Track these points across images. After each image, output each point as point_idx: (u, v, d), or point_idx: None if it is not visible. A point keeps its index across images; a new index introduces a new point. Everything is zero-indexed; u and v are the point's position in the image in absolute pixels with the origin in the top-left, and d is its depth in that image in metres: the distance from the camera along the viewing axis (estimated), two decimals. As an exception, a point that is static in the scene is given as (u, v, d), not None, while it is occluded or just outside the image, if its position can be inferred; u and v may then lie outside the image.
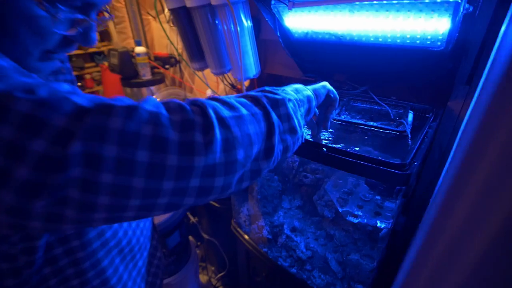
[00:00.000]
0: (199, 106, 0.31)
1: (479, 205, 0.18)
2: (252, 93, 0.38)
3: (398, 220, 0.57)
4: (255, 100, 0.36)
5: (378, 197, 0.66)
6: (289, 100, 0.39)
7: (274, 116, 0.35)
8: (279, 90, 0.40)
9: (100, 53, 2.93)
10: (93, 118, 0.24)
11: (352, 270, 0.68)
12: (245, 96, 0.37)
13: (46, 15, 0.30)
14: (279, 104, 0.37)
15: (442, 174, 0.50)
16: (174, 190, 0.28)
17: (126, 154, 0.25)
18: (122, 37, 1.69)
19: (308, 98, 0.44)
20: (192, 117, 0.29)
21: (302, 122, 0.41)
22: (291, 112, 0.38)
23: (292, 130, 0.38)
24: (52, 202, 0.24)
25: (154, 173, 0.26)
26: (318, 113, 0.55)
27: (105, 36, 2.72)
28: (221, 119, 0.30)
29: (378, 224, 0.61)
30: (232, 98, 0.35)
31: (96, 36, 0.38)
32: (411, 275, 0.37)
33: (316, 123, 0.57)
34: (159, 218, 1.07)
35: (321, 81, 0.52)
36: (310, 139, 0.58)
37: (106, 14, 0.39)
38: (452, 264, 0.21)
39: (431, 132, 0.61)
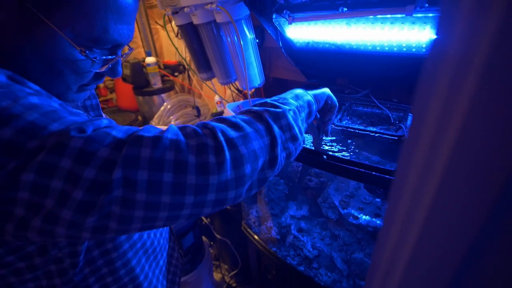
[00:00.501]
0: (209, 130, 0.36)
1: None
2: (255, 108, 0.42)
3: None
4: (258, 116, 0.40)
5: (378, 200, 0.69)
6: (289, 110, 0.42)
7: (276, 129, 0.39)
8: (280, 100, 0.44)
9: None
10: (129, 149, 0.30)
11: (357, 268, 0.72)
12: (247, 113, 0.41)
13: (85, 59, 0.37)
14: (280, 116, 0.41)
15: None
16: (194, 204, 0.33)
17: (155, 177, 0.31)
18: (132, 46, 1.77)
19: (309, 103, 0.48)
20: (206, 141, 0.34)
21: (303, 128, 0.45)
22: (292, 121, 0.41)
23: (294, 138, 0.42)
24: (100, 217, 0.30)
25: (178, 190, 0.32)
26: (319, 116, 0.57)
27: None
28: (229, 141, 0.35)
29: (379, 225, 0.64)
30: (237, 117, 0.40)
31: (121, 68, 0.44)
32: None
33: (317, 128, 0.60)
34: (174, 220, 1.13)
35: (323, 87, 0.55)
36: (312, 148, 0.61)
37: (127, 49, 0.45)
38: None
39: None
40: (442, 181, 0.19)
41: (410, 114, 0.74)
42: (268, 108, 0.41)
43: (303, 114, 0.46)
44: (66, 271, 0.42)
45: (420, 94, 0.19)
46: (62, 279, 0.42)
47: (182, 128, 0.36)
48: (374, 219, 0.65)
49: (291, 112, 0.42)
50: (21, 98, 0.30)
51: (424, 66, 0.19)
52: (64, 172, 0.28)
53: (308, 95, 0.49)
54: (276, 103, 0.43)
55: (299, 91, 0.49)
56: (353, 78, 0.89)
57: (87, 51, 0.36)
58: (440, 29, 0.17)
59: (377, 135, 0.67)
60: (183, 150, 0.32)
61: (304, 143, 0.46)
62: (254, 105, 0.44)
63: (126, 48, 0.46)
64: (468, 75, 0.16)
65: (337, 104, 0.55)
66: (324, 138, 0.61)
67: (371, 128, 0.70)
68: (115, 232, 0.32)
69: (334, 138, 0.70)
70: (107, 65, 0.41)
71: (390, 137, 0.67)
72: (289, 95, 0.47)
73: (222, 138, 0.35)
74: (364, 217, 0.68)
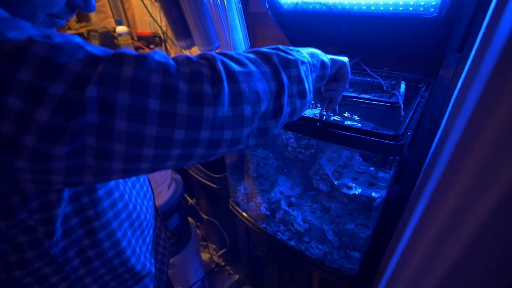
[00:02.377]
0: (207, 60, 0.30)
1: (480, 174, 0.18)
2: (264, 49, 0.37)
3: (391, 190, 0.59)
4: (266, 58, 0.35)
5: (372, 168, 0.67)
6: (302, 62, 0.37)
7: (284, 76, 0.34)
8: (294, 50, 0.39)
9: (79, 35, 2.78)
10: (107, 65, 0.25)
11: (348, 239, 0.71)
12: (256, 53, 0.36)
13: None
14: (290, 65, 0.36)
15: (435, 142, 0.51)
16: (186, 141, 0.28)
17: (138, 102, 0.25)
18: (101, 16, 1.59)
19: (323, 64, 0.43)
20: (200, 69, 0.28)
21: (312, 88, 0.40)
22: (303, 75, 0.37)
23: (302, 94, 0.37)
24: (72, 150, 0.24)
25: (166, 121, 0.26)
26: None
27: (83, 16, 2.55)
28: (230, 73, 0.30)
29: (373, 195, 0.63)
30: (241, 54, 0.34)
31: (95, 3, 0.38)
32: (410, 245, 0.38)
33: (324, 99, 0.53)
34: (158, 201, 1.08)
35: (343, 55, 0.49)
36: (318, 114, 0.55)
37: None
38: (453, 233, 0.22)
39: (423, 101, 0.61)
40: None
41: (402, 82, 0.71)
42: (279, 53, 0.36)
43: (314, 75, 0.41)
44: (40, 242, 0.36)
45: None
46: (35, 252, 0.36)
47: (173, 57, 0.30)
48: (368, 189, 0.64)
49: (304, 66, 0.37)
50: None
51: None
52: (23, 86, 0.22)
53: (325, 56, 0.44)
54: (288, 50, 0.38)
55: (315, 50, 0.44)
56: (344, 47, 0.84)
57: None
58: None
59: (371, 102, 0.64)
60: (172, 75, 0.27)
61: (310, 105, 0.41)
62: (265, 47, 0.38)
63: None
64: None
65: (349, 76, 0.49)
66: (330, 114, 0.55)
67: (365, 96, 0.67)
68: (93, 173, 0.26)
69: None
70: None
71: (384, 104, 0.64)
72: (304, 49, 0.42)
73: (222, 69, 0.29)
74: (358, 190, 0.66)
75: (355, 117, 0.61)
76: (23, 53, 0.23)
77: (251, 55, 0.35)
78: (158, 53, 0.28)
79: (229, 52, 0.34)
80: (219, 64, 0.30)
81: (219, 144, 0.30)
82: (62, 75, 0.23)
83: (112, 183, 0.42)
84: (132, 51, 0.28)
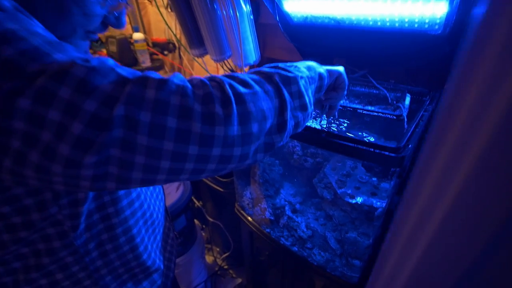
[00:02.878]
0: (217, 82, 0.33)
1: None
2: (266, 69, 0.40)
3: (392, 200, 0.60)
4: (268, 77, 0.38)
5: (374, 179, 0.69)
6: (301, 77, 0.40)
7: (286, 93, 0.37)
8: (292, 67, 0.42)
9: (97, 40, 2.88)
10: (133, 87, 0.28)
11: (350, 247, 0.72)
12: (258, 73, 0.39)
13: (95, 0, 0.36)
14: (291, 82, 0.38)
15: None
16: (198, 156, 0.31)
17: (158, 120, 0.28)
18: (118, 23, 1.66)
19: (320, 76, 0.45)
20: (212, 92, 0.32)
21: (312, 99, 0.43)
22: (303, 89, 0.39)
23: (303, 107, 0.40)
24: (99, 160, 0.27)
25: (181, 137, 0.29)
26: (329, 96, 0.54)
27: (101, 21, 2.66)
28: (237, 95, 0.33)
29: (374, 204, 0.64)
30: (246, 75, 0.37)
31: (125, 20, 0.44)
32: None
33: (324, 107, 0.56)
34: (167, 202, 1.11)
35: (339, 65, 0.52)
36: (313, 125, 0.59)
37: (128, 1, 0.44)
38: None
39: (427, 115, 0.63)
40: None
41: (407, 94, 0.73)
42: (279, 71, 0.39)
43: (313, 87, 0.44)
44: (66, 233, 0.40)
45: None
46: (62, 242, 0.40)
47: (189, 79, 0.33)
48: (370, 198, 0.65)
49: (303, 81, 0.40)
50: (28, 25, 0.29)
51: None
52: (63, 102, 0.26)
53: (321, 68, 0.47)
54: (287, 68, 0.41)
55: (311, 62, 0.46)
56: (351, 58, 0.86)
57: None
58: None
59: (376, 114, 0.66)
60: (189, 97, 0.30)
61: (312, 116, 0.44)
62: (265, 66, 0.41)
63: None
64: None
65: (347, 84, 0.52)
66: (330, 119, 0.58)
67: (370, 108, 0.69)
68: (115, 181, 0.30)
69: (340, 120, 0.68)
70: (114, 11, 0.40)
71: (389, 116, 0.65)
72: (301, 64, 0.45)
73: (230, 92, 0.32)
74: (359, 199, 0.68)
75: (361, 129, 0.63)
76: (65, 74, 0.27)
77: (255, 76, 0.37)
78: (177, 77, 0.32)
79: (236, 74, 0.37)
80: (227, 87, 0.33)
81: (229, 160, 0.33)
82: (96, 94, 0.27)
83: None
84: (156, 74, 0.31)
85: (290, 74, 0.39)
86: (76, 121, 0.26)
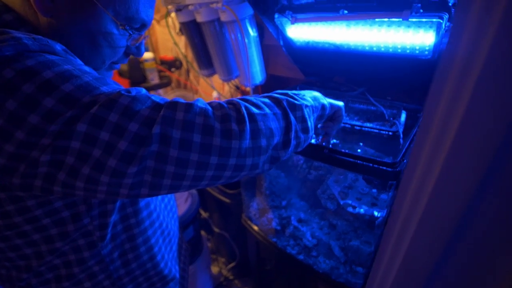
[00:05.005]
0: (234, 105, 0.40)
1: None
2: (276, 95, 0.46)
3: (391, 210, 0.65)
4: (278, 102, 0.44)
5: (374, 190, 0.74)
6: (306, 106, 0.46)
7: (292, 117, 0.44)
8: (299, 95, 0.48)
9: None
10: (166, 111, 0.35)
11: (353, 254, 0.77)
12: (269, 97, 0.45)
13: (121, 34, 0.43)
14: (296, 108, 0.45)
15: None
16: (218, 165, 0.37)
17: (186, 136, 0.35)
18: (128, 42, 1.75)
19: (323, 106, 0.52)
20: (229, 113, 0.38)
21: (313, 125, 0.49)
22: (306, 116, 0.46)
23: (305, 130, 0.46)
24: (138, 170, 0.34)
25: (205, 150, 0.36)
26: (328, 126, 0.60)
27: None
28: (250, 115, 0.39)
29: (375, 214, 0.69)
30: (258, 99, 0.44)
31: (144, 49, 0.50)
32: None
33: (321, 134, 0.64)
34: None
35: (335, 99, 0.57)
36: (314, 143, 0.65)
37: (146, 32, 0.50)
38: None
39: (421, 131, 0.69)
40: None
41: (403, 111, 0.79)
42: (288, 98, 0.45)
43: (316, 115, 0.50)
44: (95, 244, 0.45)
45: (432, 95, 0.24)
46: (91, 252, 0.45)
47: (209, 102, 0.40)
48: (371, 208, 0.70)
49: (307, 109, 0.46)
50: (77, 65, 0.36)
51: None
52: (112, 125, 0.32)
53: (325, 99, 0.53)
54: (295, 96, 0.47)
55: (317, 93, 0.53)
56: (350, 77, 0.93)
57: (127, 27, 0.42)
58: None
59: (374, 130, 0.72)
60: (210, 117, 0.37)
61: (311, 139, 0.50)
62: (276, 92, 0.48)
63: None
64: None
65: (344, 118, 0.58)
66: (324, 144, 0.64)
67: (368, 124, 0.75)
68: (148, 188, 0.35)
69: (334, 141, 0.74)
70: (136, 42, 0.46)
71: (385, 132, 0.71)
72: (308, 94, 0.51)
73: (245, 112, 0.39)
74: (361, 210, 0.73)
75: (361, 144, 0.69)
76: (114, 102, 0.33)
77: (266, 100, 0.44)
78: (200, 101, 0.39)
79: (249, 97, 0.44)
80: (243, 109, 0.39)
81: (242, 168, 0.39)
82: (137, 117, 0.34)
83: (148, 198, 0.51)
84: (182, 100, 0.38)
85: (296, 102, 0.45)
86: (122, 139, 0.33)
